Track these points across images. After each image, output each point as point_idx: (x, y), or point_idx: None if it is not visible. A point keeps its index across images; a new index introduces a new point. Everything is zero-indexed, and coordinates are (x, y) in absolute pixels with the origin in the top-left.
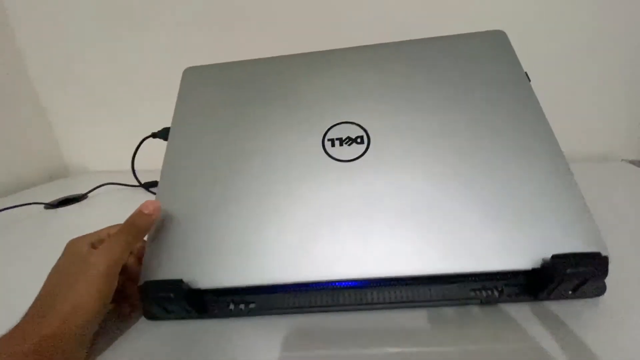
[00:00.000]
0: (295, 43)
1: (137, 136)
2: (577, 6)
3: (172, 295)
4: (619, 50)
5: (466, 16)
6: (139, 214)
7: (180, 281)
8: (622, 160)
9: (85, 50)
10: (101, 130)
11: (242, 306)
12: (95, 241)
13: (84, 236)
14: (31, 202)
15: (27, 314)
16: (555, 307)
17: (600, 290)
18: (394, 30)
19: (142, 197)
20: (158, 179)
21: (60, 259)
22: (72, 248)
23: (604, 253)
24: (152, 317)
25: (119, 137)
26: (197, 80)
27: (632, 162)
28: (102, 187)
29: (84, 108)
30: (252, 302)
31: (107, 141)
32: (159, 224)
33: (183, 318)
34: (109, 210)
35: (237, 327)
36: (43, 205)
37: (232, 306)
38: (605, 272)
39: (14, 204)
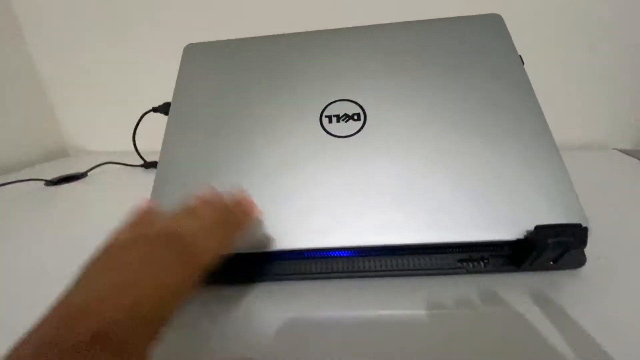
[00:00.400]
0: (295, 22)
1: (137, 117)
2: None
3: None
4: (612, 38)
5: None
6: (241, 210)
7: None
8: (614, 149)
9: (87, 29)
10: (101, 111)
11: (241, 273)
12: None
13: (173, 216)
14: (31, 178)
15: (82, 297)
16: (537, 277)
17: (581, 262)
18: (392, 11)
19: (142, 177)
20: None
21: (140, 234)
22: (166, 227)
23: (584, 224)
24: None
25: (119, 118)
26: (197, 57)
27: (624, 151)
28: (102, 166)
29: (85, 88)
30: (252, 269)
31: (107, 122)
32: (161, 193)
33: None
34: (109, 189)
35: (236, 293)
36: (43, 182)
37: (231, 273)
38: (584, 242)
39: (13, 180)
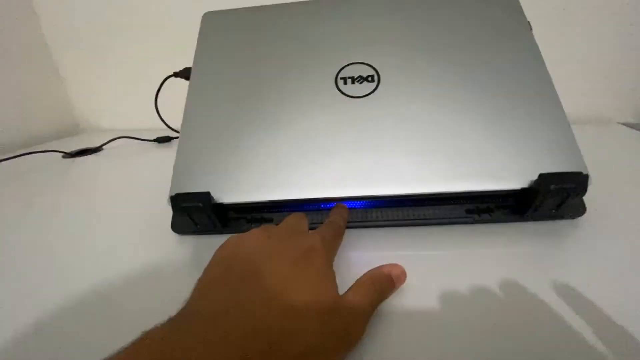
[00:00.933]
0: None
1: (150, 93)
2: None
3: (200, 204)
4: (618, 12)
5: None
6: (385, 278)
7: (208, 193)
8: (618, 122)
9: (98, 3)
10: (113, 88)
11: (260, 223)
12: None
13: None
14: (49, 149)
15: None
16: (540, 225)
17: (581, 211)
18: None
19: (156, 151)
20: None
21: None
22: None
23: (584, 172)
24: (179, 230)
25: (131, 94)
26: (216, 24)
27: (628, 125)
28: (117, 141)
29: (97, 64)
30: (270, 219)
31: (119, 99)
32: (186, 144)
33: (207, 232)
34: (125, 162)
35: None
36: (61, 154)
37: (252, 222)
38: (584, 189)
39: (32, 151)
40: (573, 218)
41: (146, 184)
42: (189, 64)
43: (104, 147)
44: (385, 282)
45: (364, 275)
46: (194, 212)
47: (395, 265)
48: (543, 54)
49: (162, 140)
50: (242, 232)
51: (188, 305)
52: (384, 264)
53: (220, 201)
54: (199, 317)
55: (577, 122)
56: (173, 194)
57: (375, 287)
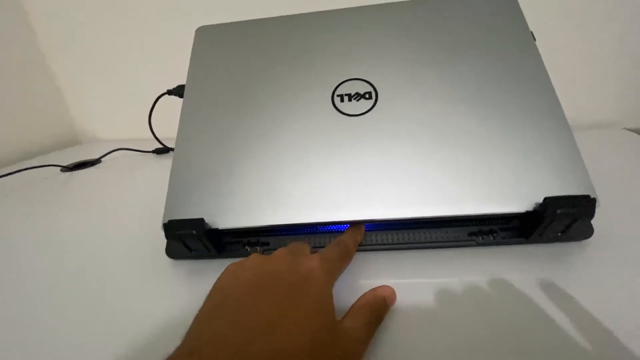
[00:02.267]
0: (307, 2)
1: (147, 104)
2: None
3: (194, 231)
4: (624, 15)
5: None
6: (380, 300)
7: (202, 220)
8: (624, 128)
9: (96, 12)
10: (111, 98)
11: (257, 247)
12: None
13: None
14: (47, 164)
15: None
16: (545, 249)
17: (588, 233)
18: None
19: (154, 162)
20: (169, 146)
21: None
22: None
23: (592, 195)
24: (174, 255)
25: (129, 105)
26: (209, 39)
27: (635, 130)
28: (115, 152)
29: (95, 75)
30: (267, 243)
31: (118, 109)
32: (180, 168)
33: (202, 257)
34: (124, 175)
35: None
36: (60, 168)
37: (247, 246)
38: (592, 213)
39: (30, 166)
40: (580, 240)
41: (145, 197)
42: (184, 77)
43: (102, 159)
44: (381, 305)
45: (359, 300)
46: (188, 239)
47: (386, 286)
48: (547, 58)
49: (161, 151)
50: (239, 256)
51: (185, 341)
52: (377, 286)
53: (215, 226)
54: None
55: (582, 127)
56: (166, 221)
57: (373, 312)
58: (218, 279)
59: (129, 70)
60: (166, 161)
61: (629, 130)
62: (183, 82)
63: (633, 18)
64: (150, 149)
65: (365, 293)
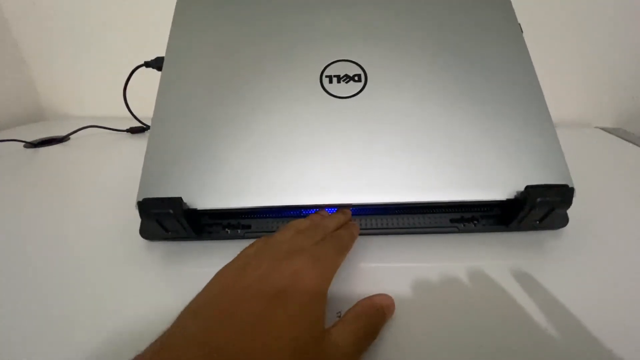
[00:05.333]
0: None
1: (121, 78)
2: None
3: (171, 211)
4: (597, 15)
5: None
6: (377, 311)
7: (180, 199)
8: (596, 127)
9: None
10: (81, 72)
11: (238, 230)
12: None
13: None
14: (9, 139)
15: None
16: (523, 237)
17: (563, 222)
18: None
19: (128, 142)
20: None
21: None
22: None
23: (570, 185)
24: (148, 236)
25: (101, 79)
26: (192, 9)
27: (606, 130)
28: (85, 130)
29: (63, 45)
30: (248, 226)
31: (88, 84)
32: (156, 144)
33: (179, 239)
34: (94, 154)
35: (233, 248)
36: (23, 144)
37: (228, 229)
38: (570, 202)
39: None
40: (556, 229)
41: (117, 179)
42: (164, 48)
43: (70, 136)
44: (375, 317)
45: (354, 308)
46: (164, 219)
47: (384, 295)
48: None
49: (135, 130)
50: (218, 239)
51: (164, 334)
52: (375, 294)
53: (194, 207)
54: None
55: (556, 126)
56: (141, 199)
57: (367, 324)
58: (214, 276)
59: (102, 40)
60: (141, 141)
61: (600, 129)
62: (161, 54)
63: (606, 20)
64: (124, 128)
65: (360, 301)
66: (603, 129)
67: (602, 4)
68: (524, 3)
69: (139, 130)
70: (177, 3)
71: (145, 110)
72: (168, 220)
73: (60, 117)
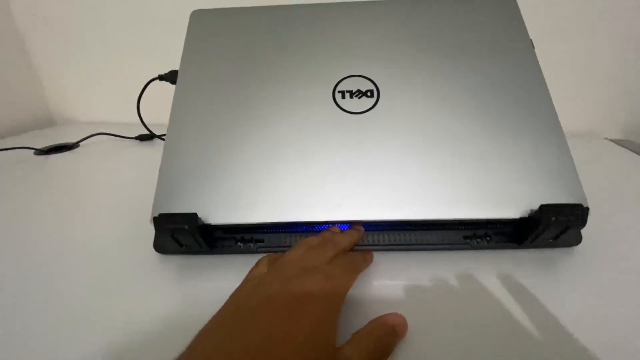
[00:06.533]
0: None
1: (132, 85)
2: None
3: (186, 227)
4: (606, 27)
5: None
6: (389, 329)
7: (195, 214)
8: (605, 138)
9: None
10: (92, 79)
11: (250, 244)
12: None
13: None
14: (20, 146)
15: None
16: (536, 254)
17: (577, 240)
18: None
19: (137, 149)
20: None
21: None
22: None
23: (585, 205)
24: (162, 250)
25: (111, 86)
26: (205, 24)
27: (614, 141)
28: (94, 137)
29: (74, 52)
30: (261, 240)
31: (98, 90)
32: (171, 159)
33: (193, 253)
34: (103, 161)
35: (246, 264)
36: (33, 151)
37: (240, 243)
38: (584, 221)
39: (1, 147)
40: (569, 246)
41: (127, 187)
42: (175, 58)
43: (80, 143)
44: (387, 337)
45: (365, 327)
46: (180, 235)
47: (396, 314)
48: None
49: (145, 137)
50: (232, 253)
51: (180, 356)
52: (387, 313)
53: (208, 222)
54: None
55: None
56: (156, 215)
57: (379, 343)
58: (233, 293)
59: (110, 46)
60: (150, 148)
61: (609, 140)
62: (171, 65)
63: (615, 31)
64: (133, 135)
65: (372, 320)
66: (612, 140)
67: (611, 14)
68: (533, 14)
69: (148, 137)
70: (190, 16)
71: (151, 117)
72: (183, 235)
73: (68, 122)
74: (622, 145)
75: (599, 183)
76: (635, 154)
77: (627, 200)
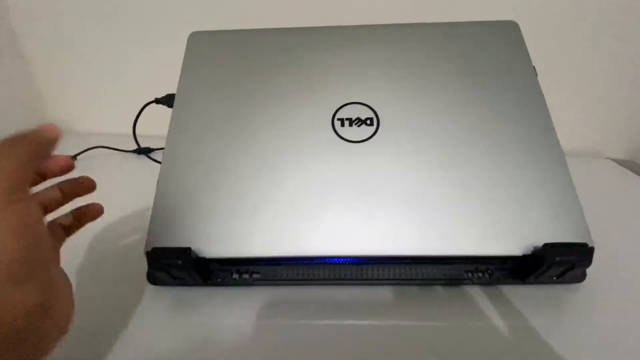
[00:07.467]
0: (306, 16)
1: (130, 96)
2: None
3: (180, 262)
4: (608, 45)
5: (479, 3)
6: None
7: (189, 249)
8: (607, 158)
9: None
10: (89, 89)
11: (246, 276)
12: None
13: None
14: None
15: None
16: (539, 290)
17: (581, 277)
18: (408, 10)
19: (135, 162)
20: (152, 146)
21: None
22: None
23: (590, 244)
24: (155, 282)
25: (109, 97)
26: (203, 47)
27: (617, 161)
28: (92, 150)
29: (73, 61)
30: (257, 273)
31: (95, 101)
32: (165, 190)
33: (187, 285)
34: (102, 176)
35: (240, 295)
36: None
37: (236, 275)
38: (590, 261)
39: None
40: (573, 283)
41: (126, 205)
42: (173, 70)
43: (78, 157)
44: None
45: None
46: (173, 269)
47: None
48: None
49: (142, 151)
50: (227, 285)
51: None
52: None
53: (202, 255)
54: None
55: (566, 156)
56: (149, 249)
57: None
58: None
59: (110, 61)
60: (147, 162)
61: (611, 160)
62: (170, 80)
63: (617, 50)
64: (131, 148)
65: None
66: (614, 160)
67: (613, 34)
68: (535, 38)
69: (145, 150)
70: (189, 38)
71: (147, 129)
72: (177, 270)
73: (65, 133)
74: (625, 166)
75: (602, 206)
76: (638, 176)
77: (632, 229)
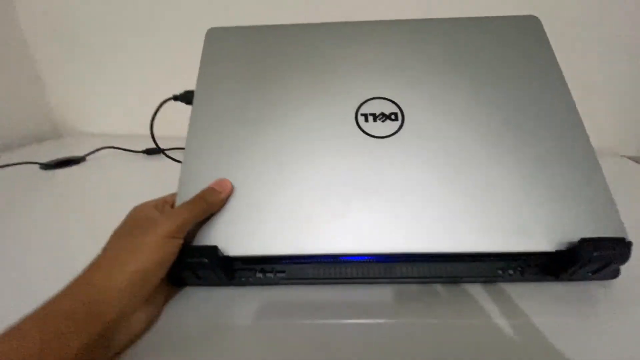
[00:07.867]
0: (326, 12)
1: (139, 97)
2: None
3: (206, 260)
4: (625, 43)
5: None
6: (209, 190)
7: (215, 247)
8: (622, 156)
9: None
10: (98, 89)
11: (271, 275)
12: (160, 204)
13: (148, 201)
14: (25, 161)
15: (79, 279)
16: (572, 287)
17: (616, 273)
18: (429, 5)
19: (144, 163)
20: (162, 146)
21: (122, 224)
22: (136, 212)
23: (627, 239)
24: (178, 283)
25: (117, 97)
26: (222, 42)
27: (631, 158)
28: (102, 151)
29: (81, 62)
30: (282, 271)
31: (104, 101)
32: (187, 188)
33: (210, 285)
34: (111, 175)
35: (265, 295)
36: (39, 166)
37: (260, 274)
38: (627, 256)
39: (6, 163)
40: (607, 280)
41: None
42: (185, 70)
43: (87, 157)
44: (207, 193)
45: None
46: (199, 268)
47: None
48: None
49: (152, 152)
50: (251, 284)
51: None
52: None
53: (227, 253)
54: None
55: None
56: None
57: (199, 197)
58: None
59: (118, 61)
60: (157, 162)
61: (627, 158)
62: (180, 80)
63: (632, 47)
64: (139, 148)
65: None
66: (630, 157)
67: (630, 32)
68: (550, 34)
69: (156, 151)
70: (206, 35)
71: (160, 130)
72: (203, 269)
73: (73, 134)
74: None
75: (622, 206)
76: None
77: None
